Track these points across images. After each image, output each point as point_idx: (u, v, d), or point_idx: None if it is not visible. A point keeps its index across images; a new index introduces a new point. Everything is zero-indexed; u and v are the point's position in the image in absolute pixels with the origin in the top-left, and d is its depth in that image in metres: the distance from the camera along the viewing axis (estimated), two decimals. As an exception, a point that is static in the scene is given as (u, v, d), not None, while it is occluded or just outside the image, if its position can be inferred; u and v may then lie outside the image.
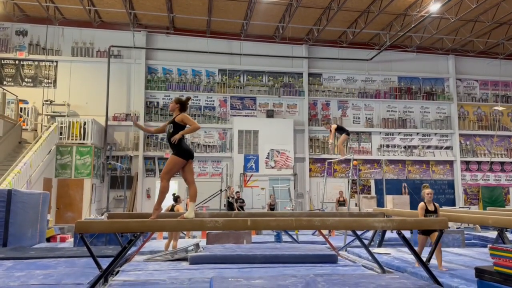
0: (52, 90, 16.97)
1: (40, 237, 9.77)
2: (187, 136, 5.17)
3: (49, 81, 17.16)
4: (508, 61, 20.36)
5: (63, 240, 10.83)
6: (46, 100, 16.62)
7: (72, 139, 15.26)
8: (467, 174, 19.63)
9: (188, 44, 18.26)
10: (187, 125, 5.19)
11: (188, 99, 5.44)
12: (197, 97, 18.25)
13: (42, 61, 17.22)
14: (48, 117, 16.66)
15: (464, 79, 20.39)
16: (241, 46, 18.63)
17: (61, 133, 15.18)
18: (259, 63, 18.76)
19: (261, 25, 17.69)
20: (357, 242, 7.37)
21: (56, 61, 17.36)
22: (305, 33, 18.68)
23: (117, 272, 5.89)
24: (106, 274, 5.06)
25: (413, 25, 15.87)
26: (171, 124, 5.21)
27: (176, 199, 8.95)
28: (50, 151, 14.38)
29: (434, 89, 20.08)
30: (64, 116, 16.15)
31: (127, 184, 16.23)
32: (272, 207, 14.37)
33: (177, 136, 5.01)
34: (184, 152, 5.11)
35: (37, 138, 14.37)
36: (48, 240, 10.51)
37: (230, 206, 13.85)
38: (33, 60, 17.27)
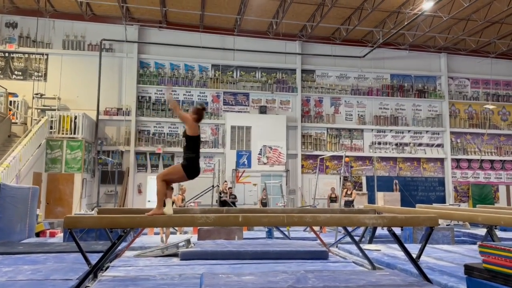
0: (42, 83, 16.76)
1: (29, 232, 9.66)
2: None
3: (40, 74, 16.94)
4: (499, 60, 20.53)
5: (52, 235, 10.73)
6: (37, 94, 16.42)
7: (63, 133, 15.09)
8: (457, 172, 19.81)
9: (181, 38, 18.13)
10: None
11: (202, 106, 5.07)
12: (190, 92, 18.15)
13: (33, 53, 16.99)
14: (38, 110, 16.47)
15: (456, 77, 20.51)
16: (234, 41, 18.54)
17: (51, 127, 15.00)
18: (253, 58, 18.70)
19: (254, 20, 17.61)
20: (348, 239, 7.40)
21: (47, 54, 17.14)
22: (298, 29, 18.65)
23: (107, 267, 5.85)
24: (95, 269, 5.02)
25: (406, 23, 15.92)
26: (184, 138, 5.01)
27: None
28: (40, 145, 14.22)
29: (426, 87, 20.18)
30: (54, 110, 15.96)
31: (118, 179, 16.12)
32: (264, 201, 14.38)
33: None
34: (192, 171, 4.86)
35: (26, 132, 14.20)
36: (37, 235, 10.41)
37: (222, 202, 13.82)
38: (23, 53, 17.03)
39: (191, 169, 4.84)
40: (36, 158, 13.82)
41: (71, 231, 4.72)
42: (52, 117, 15.12)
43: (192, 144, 4.92)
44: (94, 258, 5.09)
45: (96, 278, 5.17)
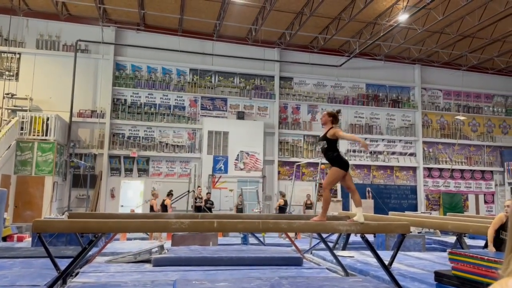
0: (14, 83, 16.26)
1: (-5, 236, 9.31)
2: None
3: (11, 73, 16.44)
4: (470, 73, 21.23)
5: (20, 239, 10.38)
6: (7, 94, 15.91)
7: (34, 135, 14.67)
8: (429, 181, 20.29)
9: (159, 41, 17.96)
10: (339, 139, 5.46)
11: (339, 111, 5.81)
12: (167, 96, 17.98)
13: (4, 52, 16.48)
14: (9, 111, 15.95)
15: (429, 88, 21.09)
16: (213, 46, 18.52)
17: (22, 128, 14.55)
18: (231, 64, 18.70)
19: (234, 26, 17.64)
20: (322, 245, 7.45)
21: (19, 53, 16.65)
22: (277, 37, 18.79)
23: (77, 273, 5.69)
24: (64, 275, 4.87)
25: (382, 34, 16.28)
26: (324, 141, 5.47)
27: (169, 194, 10.88)
28: (9, 146, 13.77)
29: (400, 97, 20.65)
30: (26, 110, 15.51)
31: (91, 183, 15.76)
32: (240, 207, 14.34)
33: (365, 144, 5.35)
34: (343, 165, 5.33)
35: (-5, 133, 13.74)
36: (4, 239, 10.05)
37: (197, 208, 13.69)
38: (-6, 51, 16.52)
39: (344, 164, 5.34)
40: (5, 159, 13.37)
41: (40, 236, 4.58)
42: (23, 118, 14.68)
43: (334, 144, 5.44)
44: (63, 264, 4.94)
45: (65, 284, 5.03)
